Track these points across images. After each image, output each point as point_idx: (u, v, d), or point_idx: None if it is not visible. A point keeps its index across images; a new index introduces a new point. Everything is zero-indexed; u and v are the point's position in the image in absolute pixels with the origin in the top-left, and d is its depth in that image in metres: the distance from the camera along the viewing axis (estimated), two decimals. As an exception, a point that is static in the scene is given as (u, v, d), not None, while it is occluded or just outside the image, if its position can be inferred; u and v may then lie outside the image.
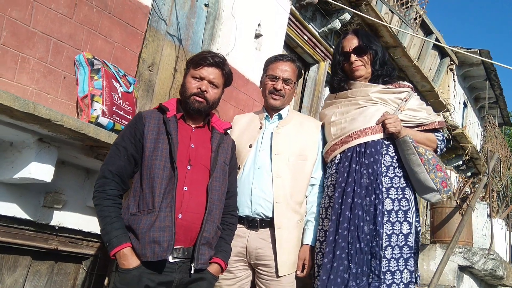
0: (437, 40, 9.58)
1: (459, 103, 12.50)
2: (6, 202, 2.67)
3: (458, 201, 4.74)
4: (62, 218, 2.96)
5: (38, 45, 2.75)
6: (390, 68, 2.63)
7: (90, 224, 3.13)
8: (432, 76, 9.88)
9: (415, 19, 7.26)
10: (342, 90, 2.66)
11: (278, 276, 2.38)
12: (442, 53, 10.21)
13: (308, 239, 2.51)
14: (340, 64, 2.66)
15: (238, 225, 2.41)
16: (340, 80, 2.65)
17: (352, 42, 2.59)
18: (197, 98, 2.22)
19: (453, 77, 11.56)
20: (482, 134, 12.77)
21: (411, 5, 7.29)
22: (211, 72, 2.26)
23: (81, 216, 3.08)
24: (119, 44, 3.22)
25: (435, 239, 4.95)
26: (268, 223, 2.44)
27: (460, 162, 11.17)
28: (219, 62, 2.28)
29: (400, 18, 6.68)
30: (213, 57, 2.27)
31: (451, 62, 10.74)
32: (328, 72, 6.36)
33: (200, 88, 2.22)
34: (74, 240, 3.12)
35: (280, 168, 2.47)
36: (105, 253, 3.34)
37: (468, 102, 13.44)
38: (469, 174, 11.81)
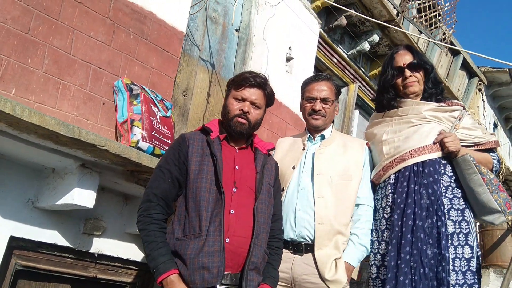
0: (465, 60, 9.46)
1: (489, 123, 12.22)
2: (48, 229, 2.65)
3: (510, 223, 4.52)
4: (101, 245, 2.93)
5: (78, 72, 2.78)
6: (442, 87, 2.55)
7: (129, 251, 3.09)
8: (461, 96, 9.71)
9: (444, 39, 7.19)
10: (391, 109, 2.57)
11: None
12: (471, 73, 10.06)
13: (349, 257, 2.35)
14: (391, 81, 2.56)
15: (283, 250, 2.33)
16: (391, 98, 2.55)
17: (405, 57, 2.52)
18: (240, 119, 2.18)
19: (482, 97, 11.36)
20: (515, 154, 12.42)
21: (438, 26, 7.23)
22: (253, 93, 2.22)
23: (120, 243, 3.04)
24: (156, 69, 3.24)
25: (487, 263, 4.71)
26: (313, 246, 2.35)
27: (494, 184, 10.83)
28: (261, 83, 2.24)
29: (428, 38, 6.61)
30: (255, 77, 2.23)
31: (480, 82, 10.58)
32: (358, 94, 6.30)
33: (242, 110, 2.18)
34: (112, 267, 3.07)
35: (322, 188, 2.39)
36: (142, 281, 3.28)
37: (498, 123, 13.14)
38: (503, 196, 11.44)
